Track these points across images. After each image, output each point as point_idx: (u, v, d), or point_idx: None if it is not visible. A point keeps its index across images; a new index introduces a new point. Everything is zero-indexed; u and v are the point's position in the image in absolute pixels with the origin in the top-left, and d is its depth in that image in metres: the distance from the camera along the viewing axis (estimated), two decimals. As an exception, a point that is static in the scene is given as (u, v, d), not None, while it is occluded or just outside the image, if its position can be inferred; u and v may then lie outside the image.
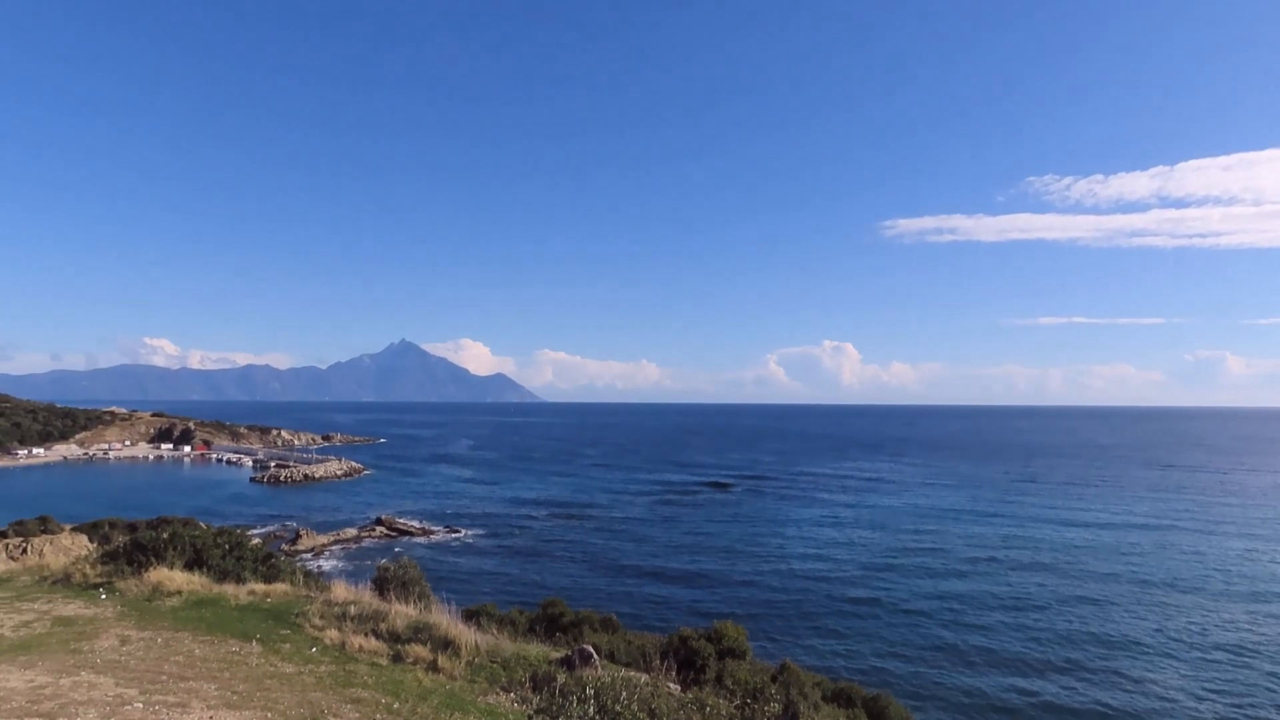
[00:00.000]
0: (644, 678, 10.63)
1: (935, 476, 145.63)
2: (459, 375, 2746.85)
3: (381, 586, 17.81)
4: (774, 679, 17.26)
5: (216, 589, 16.66)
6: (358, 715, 10.14)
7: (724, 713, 6.66)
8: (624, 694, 7.69)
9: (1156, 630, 49.12)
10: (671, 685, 12.14)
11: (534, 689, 11.66)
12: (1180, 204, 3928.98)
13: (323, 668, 12.23)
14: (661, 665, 14.00)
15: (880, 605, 54.72)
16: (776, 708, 6.58)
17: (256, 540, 23.50)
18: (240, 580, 17.65)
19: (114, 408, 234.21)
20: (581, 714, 6.84)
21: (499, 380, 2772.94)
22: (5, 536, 38.43)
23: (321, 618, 14.89)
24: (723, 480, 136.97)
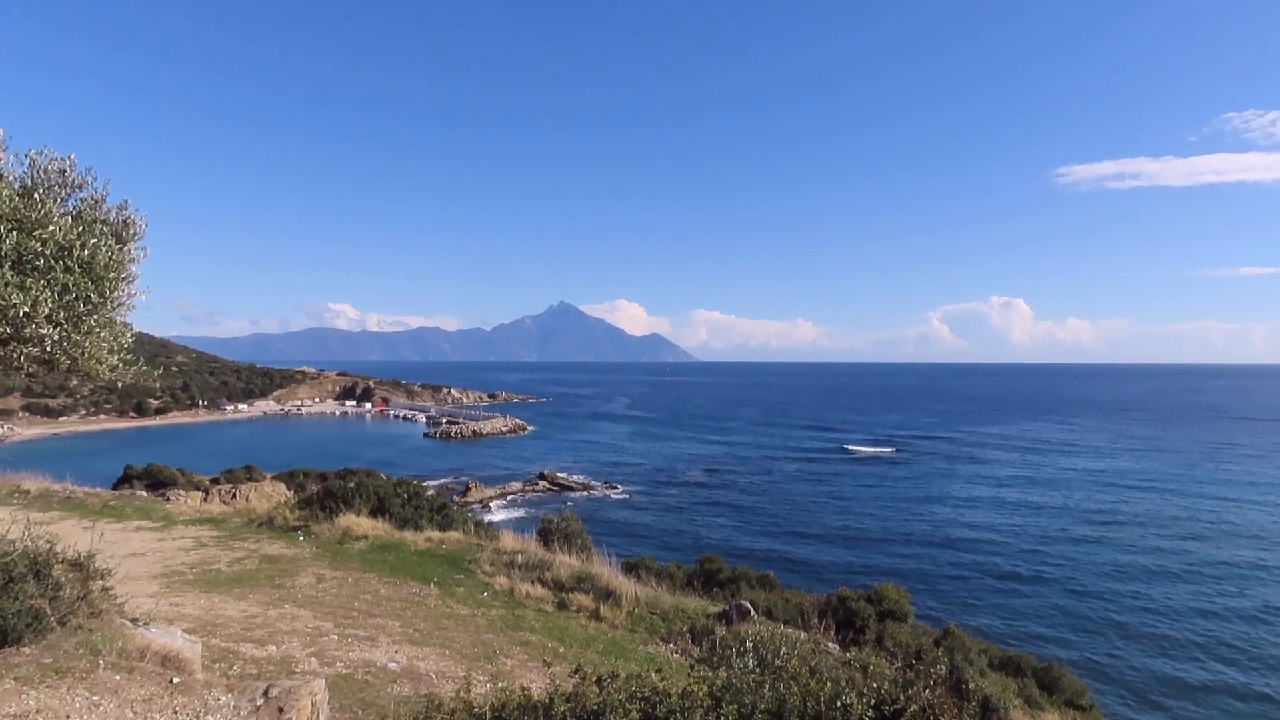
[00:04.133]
0: (803, 635, 10.59)
1: (1114, 441, 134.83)
2: (615, 335, 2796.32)
3: (546, 537, 18.59)
4: (937, 643, 16.78)
5: (397, 535, 17.89)
6: (526, 657, 10.70)
7: (887, 674, 6.51)
8: (784, 649, 7.69)
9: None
10: (831, 644, 12.04)
11: (693, 641, 11.89)
12: None
13: (494, 611, 12.96)
14: (820, 624, 13.91)
15: (1049, 580, 51.10)
16: (942, 670, 6.35)
17: (431, 491, 25.03)
18: (418, 528, 18.87)
19: (304, 367, 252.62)
20: (741, 667, 6.89)
21: (654, 340, 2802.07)
22: (218, 483, 42.78)
23: (491, 565, 15.74)
24: (879, 442, 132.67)
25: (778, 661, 7.02)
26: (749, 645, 7.71)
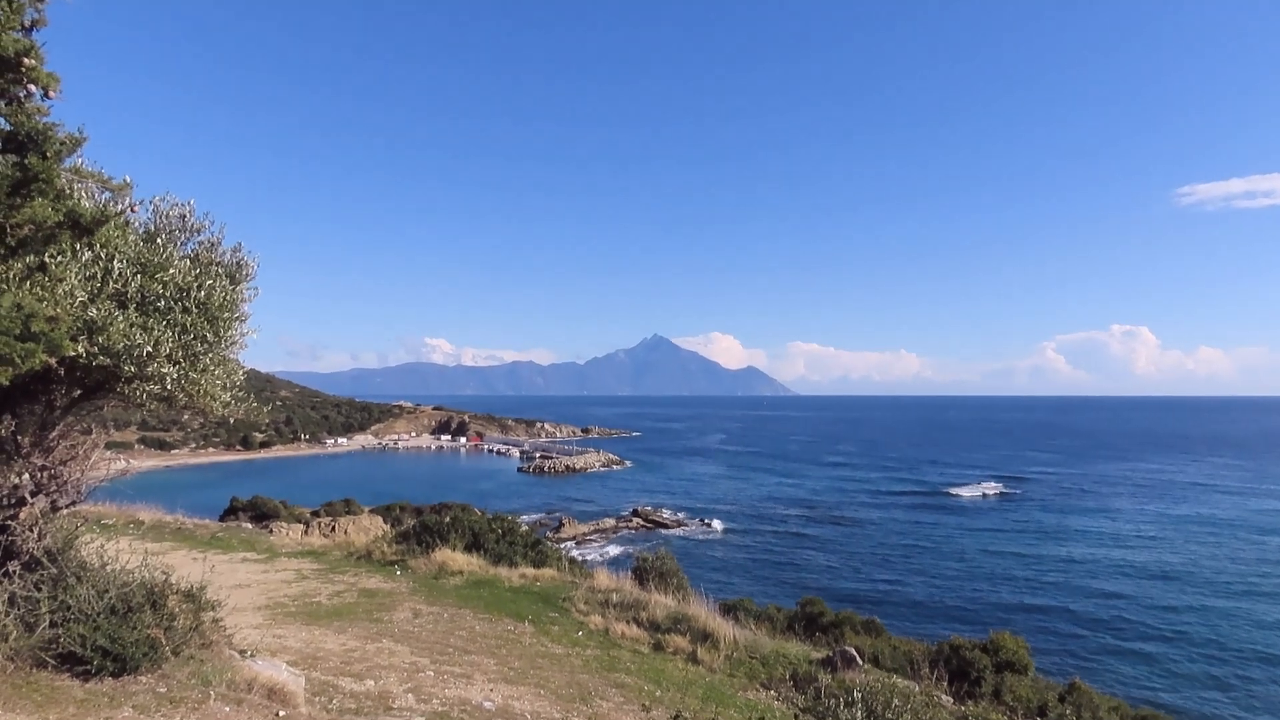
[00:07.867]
0: (914, 686, 10.03)
1: (1253, 481, 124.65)
2: (710, 369, 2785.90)
3: (641, 576, 18.38)
4: (1062, 699, 15.68)
5: (492, 571, 17.95)
6: (623, 699, 10.47)
7: (1009, 733, 6.06)
8: (895, 701, 7.26)
9: None
10: (944, 697, 11.39)
11: (795, 688, 11.42)
12: None
13: (589, 651, 12.79)
14: (931, 675, 13.20)
15: (1181, 640, 46.88)
16: (1070, 732, 5.88)
17: (525, 527, 25.16)
18: (512, 564, 18.90)
19: (402, 402, 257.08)
20: (849, 718, 6.52)
21: (749, 373, 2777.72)
22: (319, 516, 44.03)
23: (586, 603, 15.60)
24: (988, 481, 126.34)
25: (888, 714, 6.63)
26: (856, 695, 7.31)
